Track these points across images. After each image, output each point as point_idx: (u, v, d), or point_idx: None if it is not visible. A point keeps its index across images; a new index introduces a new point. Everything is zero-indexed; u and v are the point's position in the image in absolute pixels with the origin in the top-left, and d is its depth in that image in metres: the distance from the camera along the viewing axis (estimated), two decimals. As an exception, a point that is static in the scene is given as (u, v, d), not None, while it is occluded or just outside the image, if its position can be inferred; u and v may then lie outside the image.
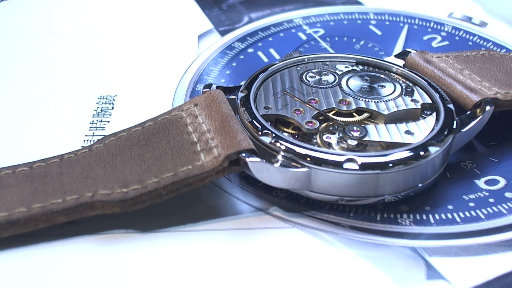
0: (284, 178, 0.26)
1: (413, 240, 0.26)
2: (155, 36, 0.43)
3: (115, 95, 0.36)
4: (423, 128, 0.28)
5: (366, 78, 0.32)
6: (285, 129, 0.29)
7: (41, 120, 0.34)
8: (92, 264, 0.25)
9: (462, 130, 0.28)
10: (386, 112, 0.29)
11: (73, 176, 0.26)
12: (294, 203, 0.28)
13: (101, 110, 0.35)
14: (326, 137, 0.28)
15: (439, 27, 0.44)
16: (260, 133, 0.27)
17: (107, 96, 0.36)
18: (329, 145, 0.27)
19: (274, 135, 0.27)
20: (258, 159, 0.25)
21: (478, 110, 0.29)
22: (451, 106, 0.29)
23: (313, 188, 0.26)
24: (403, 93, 0.31)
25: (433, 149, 0.26)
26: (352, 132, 0.28)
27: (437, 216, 0.27)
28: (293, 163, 0.26)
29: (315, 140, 0.28)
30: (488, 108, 0.29)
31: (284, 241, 0.26)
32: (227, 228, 0.26)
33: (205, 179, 0.26)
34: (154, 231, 0.26)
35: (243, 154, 0.25)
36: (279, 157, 0.26)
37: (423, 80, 0.31)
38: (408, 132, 0.28)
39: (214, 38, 0.43)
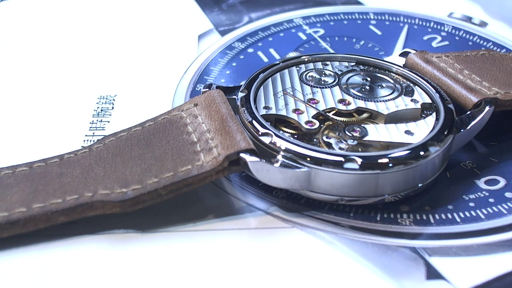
0: (284, 178, 0.26)
1: (413, 240, 0.26)
2: (155, 36, 0.43)
3: (115, 95, 0.36)
4: (423, 128, 0.28)
5: (366, 78, 0.32)
6: (285, 129, 0.29)
7: (41, 120, 0.34)
8: (92, 264, 0.25)
9: (462, 130, 0.28)
10: (386, 112, 0.29)
11: (73, 176, 0.26)
12: (294, 203, 0.28)
13: (101, 110, 0.35)
14: (326, 137, 0.28)
15: (439, 27, 0.44)
16: (260, 133, 0.27)
17: (107, 96, 0.36)
18: (329, 145, 0.27)
19: (274, 135, 0.27)
20: (258, 159, 0.25)
21: (478, 110, 0.29)
22: (451, 106, 0.29)
23: (313, 188, 0.26)
24: (403, 93, 0.31)
25: (433, 149, 0.26)
26: (352, 132, 0.28)
27: (437, 216, 0.27)
28: (293, 163, 0.26)
29: (315, 140, 0.28)
30: (488, 108, 0.29)
31: (284, 241, 0.26)
32: (227, 228, 0.26)
33: (205, 179, 0.26)
34: (154, 231, 0.26)
35: (243, 154, 0.25)
36: (279, 157, 0.26)
37: (423, 80, 0.31)
38: (408, 132, 0.28)
39: (214, 38, 0.43)
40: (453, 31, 0.43)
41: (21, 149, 0.31)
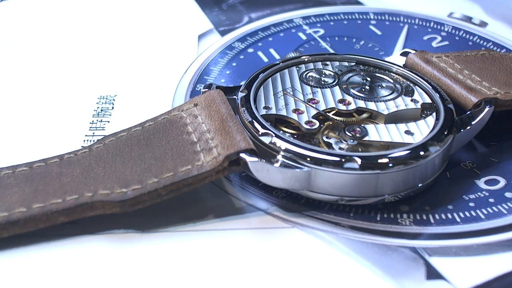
0: (284, 178, 0.26)
1: (413, 240, 0.26)
2: (155, 36, 0.43)
3: (115, 95, 0.36)
4: (423, 128, 0.28)
5: (366, 78, 0.32)
6: (285, 129, 0.29)
7: (41, 120, 0.34)
8: (92, 264, 0.25)
9: (462, 130, 0.28)
10: (386, 112, 0.29)
11: (73, 176, 0.26)
12: (294, 203, 0.28)
13: (101, 110, 0.35)
14: (326, 137, 0.28)
15: (439, 27, 0.44)
16: (260, 133, 0.27)
17: (107, 96, 0.36)
18: (329, 145, 0.27)
19: (274, 135, 0.27)
20: (258, 159, 0.25)
21: (478, 110, 0.29)
22: (451, 106, 0.29)
23: (313, 188, 0.26)
24: (403, 93, 0.31)
25: (433, 149, 0.26)
26: (352, 132, 0.28)
27: (437, 216, 0.27)
28: (293, 163, 0.26)
29: (315, 140, 0.28)
30: (488, 108, 0.29)
31: (284, 241, 0.26)
32: (227, 228, 0.26)
33: (205, 179, 0.26)
34: (154, 231, 0.26)
35: (243, 154, 0.25)
36: (279, 157, 0.26)
37: (423, 80, 0.31)
38: (408, 132, 0.28)
39: (214, 38, 0.43)
40: (453, 31, 0.43)
41: (21, 149, 0.31)
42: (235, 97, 0.30)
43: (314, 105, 0.30)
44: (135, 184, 0.25)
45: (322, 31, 0.44)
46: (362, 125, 0.28)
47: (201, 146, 0.27)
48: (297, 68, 0.33)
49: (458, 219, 0.27)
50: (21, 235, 0.25)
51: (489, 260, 0.25)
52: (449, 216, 0.27)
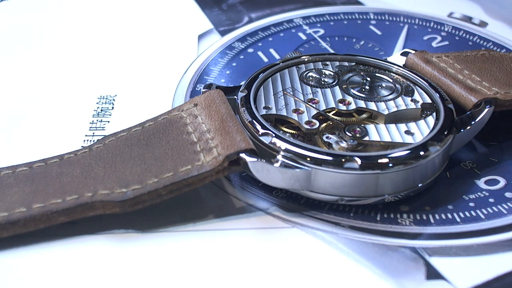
0: (284, 178, 0.26)
1: (413, 240, 0.26)
2: (155, 36, 0.43)
3: (115, 95, 0.36)
4: (423, 128, 0.28)
5: (366, 78, 0.32)
6: (285, 129, 0.29)
7: (41, 120, 0.34)
8: (92, 264, 0.25)
9: (462, 130, 0.28)
10: (386, 112, 0.29)
11: (73, 176, 0.26)
12: (294, 203, 0.28)
13: (101, 110, 0.35)
14: (326, 137, 0.28)
15: (439, 27, 0.44)
16: (260, 133, 0.27)
17: (107, 96, 0.36)
18: (329, 145, 0.27)
19: (274, 135, 0.27)
20: (257, 159, 0.25)
21: (478, 110, 0.29)
22: (451, 106, 0.29)
23: (313, 188, 0.26)
24: (403, 93, 0.31)
25: (433, 149, 0.26)
26: (352, 132, 0.28)
27: (437, 216, 0.27)
28: (293, 163, 0.26)
29: (315, 140, 0.28)
30: (488, 108, 0.29)
31: (284, 241, 0.26)
32: (227, 228, 0.26)
33: (205, 179, 0.26)
34: (154, 231, 0.26)
35: (243, 154, 0.25)
36: (279, 157, 0.26)
37: (423, 80, 0.31)
38: (408, 132, 0.28)
39: (214, 38, 0.43)
40: (453, 31, 0.43)
41: (21, 149, 0.31)
42: (235, 97, 0.30)
43: (314, 105, 0.30)
44: (135, 184, 0.25)
45: (322, 31, 0.44)
46: (362, 125, 0.28)
47: (201, 146, 0.27)
48: (297, 68, 0.33)
49: (458, 219, 0.27)
50: (21, 235, 0.25)
51: (489, 260, 0.25)
52: (449, 216, 0.27)
